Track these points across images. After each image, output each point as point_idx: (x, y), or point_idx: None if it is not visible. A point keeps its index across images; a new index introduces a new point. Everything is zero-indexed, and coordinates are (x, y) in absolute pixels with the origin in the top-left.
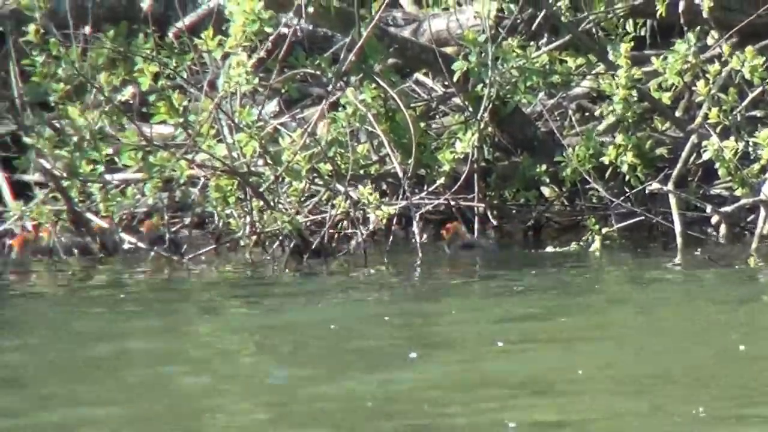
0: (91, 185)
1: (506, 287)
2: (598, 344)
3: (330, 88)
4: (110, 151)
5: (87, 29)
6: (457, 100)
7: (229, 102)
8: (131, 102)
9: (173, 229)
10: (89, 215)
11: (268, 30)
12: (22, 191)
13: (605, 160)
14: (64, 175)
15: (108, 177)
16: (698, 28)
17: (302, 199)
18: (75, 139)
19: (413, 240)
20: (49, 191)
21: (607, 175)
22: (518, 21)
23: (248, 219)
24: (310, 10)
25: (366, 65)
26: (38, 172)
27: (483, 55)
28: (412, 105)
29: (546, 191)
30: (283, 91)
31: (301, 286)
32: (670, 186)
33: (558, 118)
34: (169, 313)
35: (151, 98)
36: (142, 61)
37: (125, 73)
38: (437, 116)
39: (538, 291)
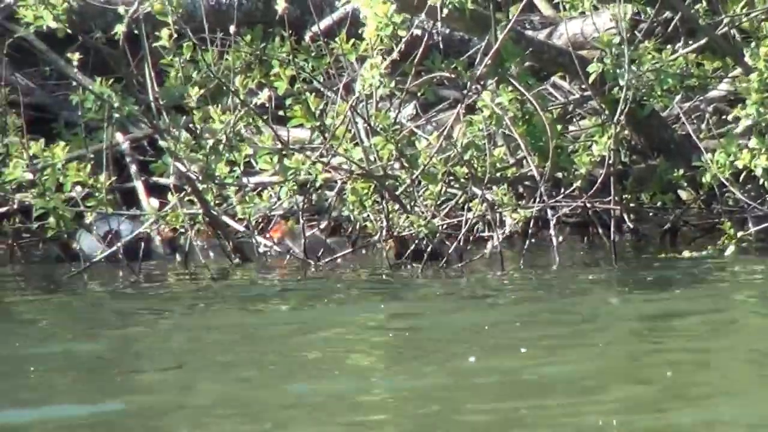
0: (228, 188)
1: (647, 288)
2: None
3: (466, 91)
4: (250, 151)
5: (231, 28)
6: (593, 103)
7: (365, 105)
8: (267, 105)
9: (308, 233)
10: (225, 218)
11: (402, 33)
12: (159, 195)
13: (739, 164)
14: (200, 178)
15: (244, 180)
16: None
17: (438, 202)
18: (211, 142)
19: (551, 243)
20: (185, 195)
21: (741, 178)
22: (654, 24)
23: (384, 223)
24: (445, 12)
25: (502, 68)
26: (174, 176)
27: (618, 57)
28: (548, 108)
29: (683, 194)
30: (419, 94)
31: (438, 289)
32: None
33: (695, 121)
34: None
35: (288, 102)
36: (278, 65)
37: (261, 76)
38: (574, 119)
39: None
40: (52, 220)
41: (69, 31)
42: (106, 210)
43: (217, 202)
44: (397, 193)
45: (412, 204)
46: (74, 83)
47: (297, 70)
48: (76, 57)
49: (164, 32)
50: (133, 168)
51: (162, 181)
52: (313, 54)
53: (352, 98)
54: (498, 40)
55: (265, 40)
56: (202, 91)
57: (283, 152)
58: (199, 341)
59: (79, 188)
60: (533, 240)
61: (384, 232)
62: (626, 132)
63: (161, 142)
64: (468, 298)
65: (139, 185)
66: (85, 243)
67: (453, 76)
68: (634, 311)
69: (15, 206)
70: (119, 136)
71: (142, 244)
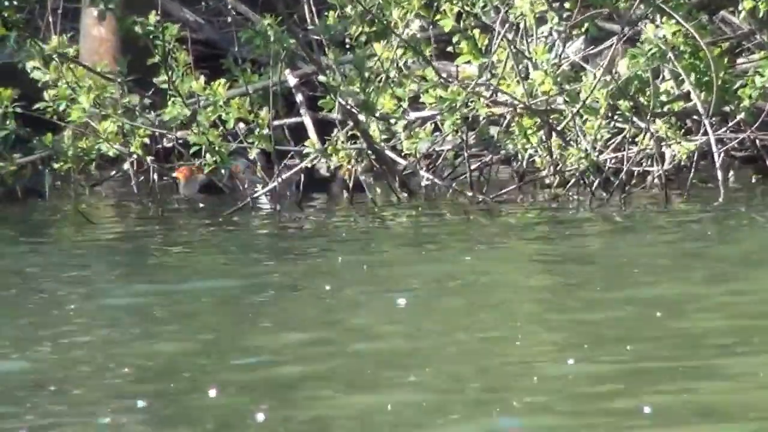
0: (395, 124)
1: None
2: None
3: (626, 24)
4: (414, 87)
5: None
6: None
7: (525, 40)
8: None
9: (473, 167)
10: (390, 154)
11: None
12: (328, 132)
13: None
14: (358, 111)
15: (410, 115)
16: None
17: (605, 137)
18: (370, 76)
19: (717, 178)
20: (348, 130)
21: None
22: None
23: (550, 157)
24: None
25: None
26: (340, 112)
27: None
28: (716, 41)
29: None
30: (583, 29)
31: (600, 223)
32: None
33: None
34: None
35: (455, 38)
36: (445, 2)
37: (419, 7)
38: (743, 54)
39: None
40: (208, 156)
41: None
42: (267, 146)
43: (385, 137)
44: (559, 127)
45: (577, 139)
46: (244, 19)
47: (465, 5)
48: None
49: None
50: (302, 103)
51: (330, 116)
52: None
53: (511, 31)
54: None
55: None
56: (368, 29)
57: (448, 87)
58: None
59: (242, 125)
60: (702, 174)
61: (551, 168)
62: None
63: (321, 77)
64: (627, 231)
65: (307, 121)
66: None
67: (618, 9)
68: None
69: (176, 143)
70: (288, 73)
71: (302, 177)
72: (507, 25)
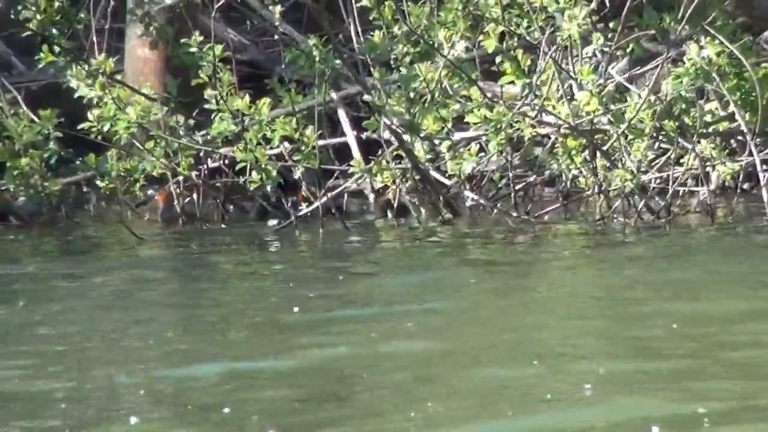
0: (440, 144)
1: None
2: None
3: (669, 45)
4: (456, 107)
5: None
6: None
7: (570, 60)
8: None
9: (517, 187)
10: (434, 174)
11: None
12: (373, 153)
13: None
14: (404, 132)
15: (450, 135)
16: None
17: (650, 158)
18: (415, 96)
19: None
20: (393, 150)
21: None
22: None
23: (595, 178)
24: None
25: (705, 21)
26: (385, 132)
27: None
28: (760, 62)
29: None
30: (628, 50)
31: (645, 245)
32: None
33: None
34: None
35: (498, 59)
36: (489, 22)
37: (464, 29)
38: None
39: None
40: (254, 174)
41: None
42: (312, 165)
43: (429, 158)
44: (604, 148)
45: (621, 159)
46: (288, 39)
47: (508, 26)
48: (277, 11)
49: None
50: (346, 124)
51: (375, 136)
52: (525, 10)
53: (556, 51)
54: None
55: None
56: (414, 49)
57: (492, 108)
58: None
59: (287, 144)
60: (745, 195)
61: (595, 188)
62: None
63: (366, 97)
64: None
65: (352, 141)
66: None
67: (665, 30)
68: None
69: (224, 162)
70: (332, 93)
71: (345, 197)
72: (552, 46)
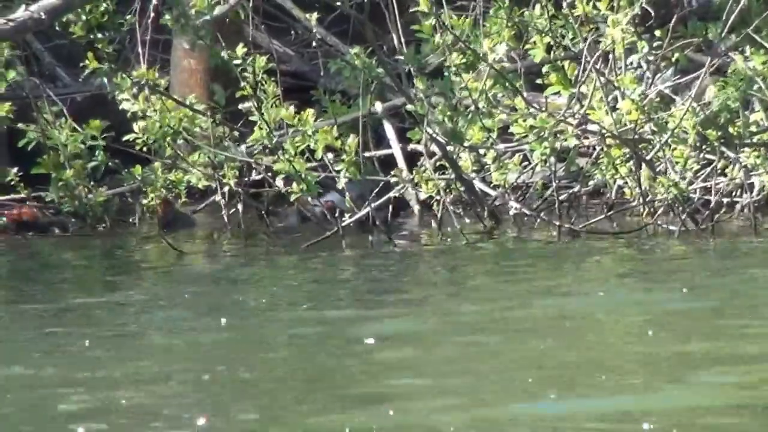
0: (486, 154)
1: None
2: None
3: (714, 55)
4: (503, 117)
5: None
6: None
7: (614, 69)
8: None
9: (562, 197)
10: (479, 184)
11: None
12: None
13: None
14: (448, 142)
15: (495, 145)
16: None
17: (696, 168)
18: (461, 107)
19: None
20: (436, 160)
21: None
22: None
23: (639, 188)
24: None
25: (751, 30)
26: (429, 142)
27: None
28: None
29: None
30: (674, 60)
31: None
32: None
33: None
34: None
35: (545, 69)
36: (536, 33)
37: (508, 38)
38: None
39: None
40: (294, 185)
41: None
42: (354, 175)
43: (472, 169)
44: (648, 157)
45: (665, 169)
46: (333, 51)
47: (555, 38)
48: (314, 18)
49: None
50: (392, 135)
51: (420, 147)
52: (570, 21)
53: (600, 61)
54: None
55: (519, 5)
56: (461, 57)
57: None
58: None
59: (330, 155)
60: None
61: (639, 198)
62: None
63: (409, 106)
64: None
65: (396, 151)
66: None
67: (709, 41)
68: None
69: (265, 174)
70: (378, 104)
71: (391, 208)
72: (596, 55)
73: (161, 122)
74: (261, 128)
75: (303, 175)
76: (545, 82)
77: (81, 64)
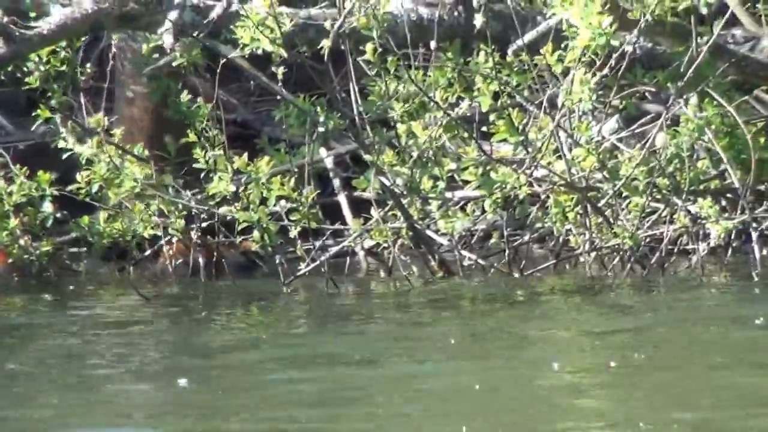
0: (432, 203)
1: None
2: None
3: (668, 104)
4: (452, 166)
5: (432, 44)
6: None
7: (568, 119)
8: (469, 118)
9: (513, 246)
10: (429, 233)
11: (614, 43)
12: (362, 210)
13: None
14: (404, 192)
15: (448, 194)
16: None
17: (642, 215)
18: (415, 156)
19: (752, 256)
20: (388, 209)
21: None
22: None
23: (587, 235)
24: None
25: (703, 82)
26: (377, 190)
27: None
28: (751, 121)
29: None
30: (620, 108)
31: (636, 300)
32: None
33: None
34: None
35: (491, 117)
36: (482, 81)
37: (460, 90)
38: None
39: None
40: (256, 234)
41: (284, 54)
42: (309, 224)
43: (419, 216)
44: (599, 205)
45: (616, 216)
46: (277, 99)
47: (501, 85)
48: (280, 72)
49: (369, 47)
50: (337, 183)
51: (365, 195)
52: (516, 69)
53: (555, 112)
54: (699, 53)
55: (465, 55)
56: (406, 105)
57: (488, 166)
58: None
59: (283, 202)
60: (737, 253)
61: (587, 245)
62: None
63: (365, 156)
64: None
65: (342, 200)
66: None
67: (655, 90)
68: None
69: (218, 220)
70: (322, 152)
71: (348, 258)
72: (545, 103)
73: (110, 174)
74: (222, 178)
75: (264, 225)
76: (490, 130)
77: (32, 114)
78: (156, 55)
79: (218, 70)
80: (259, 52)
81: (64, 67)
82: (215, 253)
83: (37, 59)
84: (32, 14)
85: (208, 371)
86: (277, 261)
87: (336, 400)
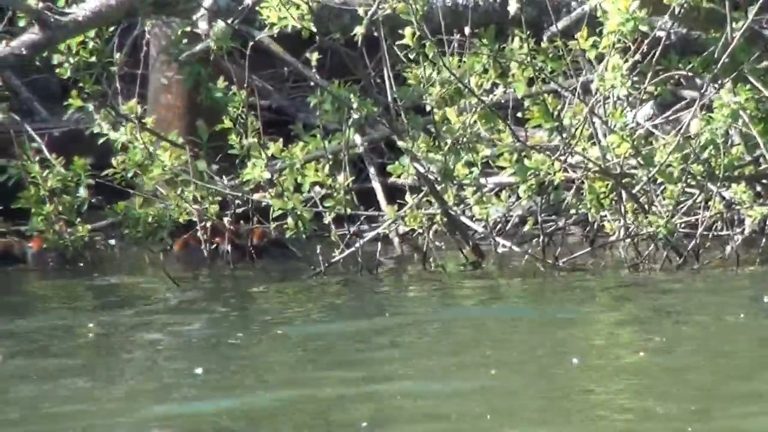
0: (466, 189)
1: None
2: None
3: (703, 90)
4: (487, 153)
5: (466, 30)
6: None
7: (602, 105)
8: (504, 104)
9: (547, 232)
10: (464, 219)
11: (643, 29)
12: (396, 197)
13: None
14: (438, 179)
15: (482, 181)
16: None
17: (677, 201)
18: (449, 142)
19: None
20: (423, 195)
21: None
22: None
23: (622, 222)
24: (679, 10)
25: (738, 67)
26: (412, 177)
27: None
28: None
29: None
30: (656, 94)
31: (671, 290)
32: None
33: None
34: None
35: (526, 103)
36: (516, 67)
37: (495, 76)
38: None
39: None
40: (290, 221)
41: (313, 29)
42: (344, 211)
43: (454, 202)
44: (633, 191)
45: (650, 203)
46: (312, 85)
47: (535, 71)
48: (314, 58)
49: (408, 31)
50: (371, 169)
51: (400, 182)
52: (551, 55)
53: (590, 99)
54: (734, 39)
55: (500, 41)
56: (442, 90)
57: (522, 152)
58: None
59: (317, 189)
60: None
61: (622, 231)
62: None
63: (399, 143)
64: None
65: (377, 186)
66: None
67: (690, 75)
68: None
69: (252, 206)
70: (357, 138)
71: (379, 245)
72: (579, 89)
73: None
74: (256, 165)
75: (299, 212)
76: (525, 116)
77: (65, 103)
78: (185, 41)
79: (248, 54)
80: (288, 29)
81: (93, 59)
82: (238, 239)
83: (66, 50)
84: (64, 1)
85: None
86: (316, 249)
87: None
